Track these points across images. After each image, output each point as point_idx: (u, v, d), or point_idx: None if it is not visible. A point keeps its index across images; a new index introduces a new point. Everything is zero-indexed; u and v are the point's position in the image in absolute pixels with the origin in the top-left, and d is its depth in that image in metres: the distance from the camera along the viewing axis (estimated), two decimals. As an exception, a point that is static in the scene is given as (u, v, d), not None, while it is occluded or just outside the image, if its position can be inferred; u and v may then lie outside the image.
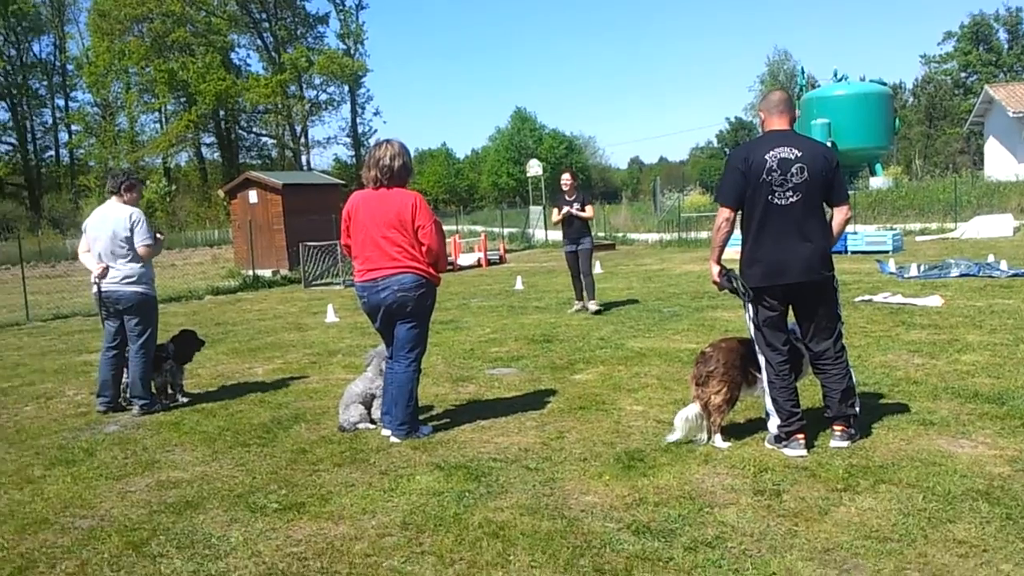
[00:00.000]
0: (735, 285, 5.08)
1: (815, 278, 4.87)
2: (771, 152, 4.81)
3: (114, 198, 6.83)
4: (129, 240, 6.65)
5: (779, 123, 4.99)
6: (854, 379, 5.10)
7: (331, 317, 12.14)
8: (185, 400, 7.09)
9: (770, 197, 4.81)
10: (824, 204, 4.97)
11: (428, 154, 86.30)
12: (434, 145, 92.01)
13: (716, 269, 5.17)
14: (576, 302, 11.45)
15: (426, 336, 5.74)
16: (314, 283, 18.71)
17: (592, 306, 11.16)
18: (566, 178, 11.29)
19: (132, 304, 6.71)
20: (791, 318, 5.15)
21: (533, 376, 7.44)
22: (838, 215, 5.01)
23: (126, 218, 6.67)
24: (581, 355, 8.24)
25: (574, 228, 11.23)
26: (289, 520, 4.28)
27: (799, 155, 4.80)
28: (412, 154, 5.82)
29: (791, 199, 4.79)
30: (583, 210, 11.10)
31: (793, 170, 4.77)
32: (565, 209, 11.08)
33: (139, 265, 6.74)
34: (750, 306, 5.05)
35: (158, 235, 6.99)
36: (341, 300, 14.39)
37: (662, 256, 21.90)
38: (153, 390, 6.96)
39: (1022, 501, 3.99)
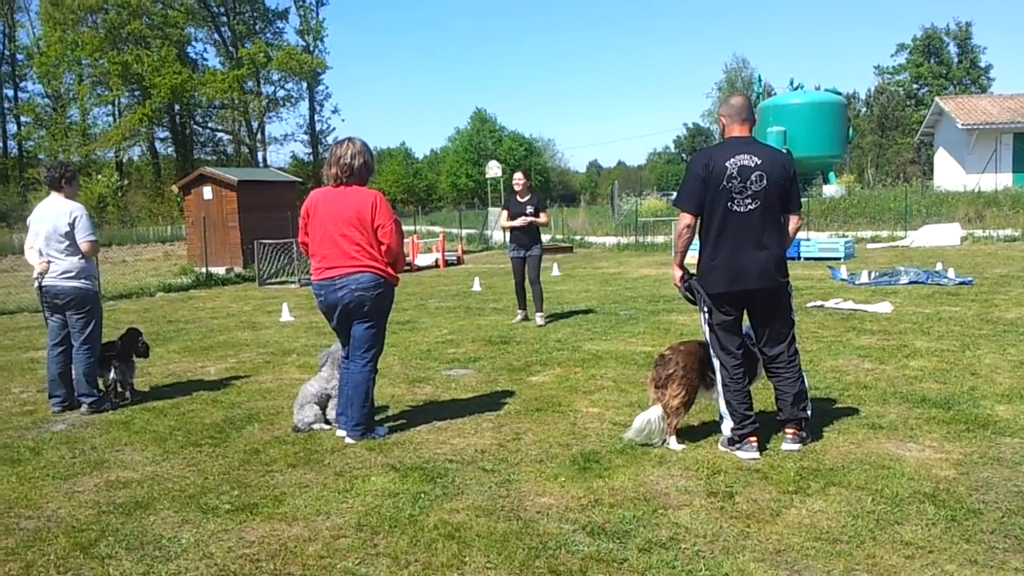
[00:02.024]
0: (693, 296, 5.17)
1: (771, 284, 4.94)
2: (732, 159, 4.87)
3: (54, 192, 6.70)
4: (69, 235, 6.53)
5: (740, 130, 5.05)
6: (806, 383, 5.19)
7: (286, 316, 12.02)
8: (129, 399, 6.96)
9: (729, 204, 4.86)
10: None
11: (387, 153, 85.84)
12: (393, 144, 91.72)
13: (678, 274, 5.23)
14: (519, 311, 10.80)
15: (383, 336, 5.71)
16: (269, 281, 18.50)
17: (539, 319, 10.50)
18: (518, 177, 10.56)
19: (71, 299, 6.59)
20: (745, 322, 5.22)
21: (490, 377, 7.43)
22: (790, 223, 5.08)
23: (67, 213, 6.54)
24: (538, 357, 8.26)
25: (524, 233, 10.44)
26: (242, 521, 4.22)
27: (759, 163, 4.86)
28: (373, 153, 5.78)
29: (750, 206, 4.85)
30: (537, 215, 10.31)
31: (753, 177, 4.83)
32: (525, 217, 10.24)
33: (79, 259, 6.61)
34: (706, 310, 5.11)
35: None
36: (296, 299, 14.26)
37: (619, 260, 22.02)
38: (103, 387, 6.83)
39: (967, 503, 4.08)
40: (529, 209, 10.34)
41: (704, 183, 4.90)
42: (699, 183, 4.92)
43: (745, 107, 5.08)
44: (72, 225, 6.53)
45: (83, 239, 6.59)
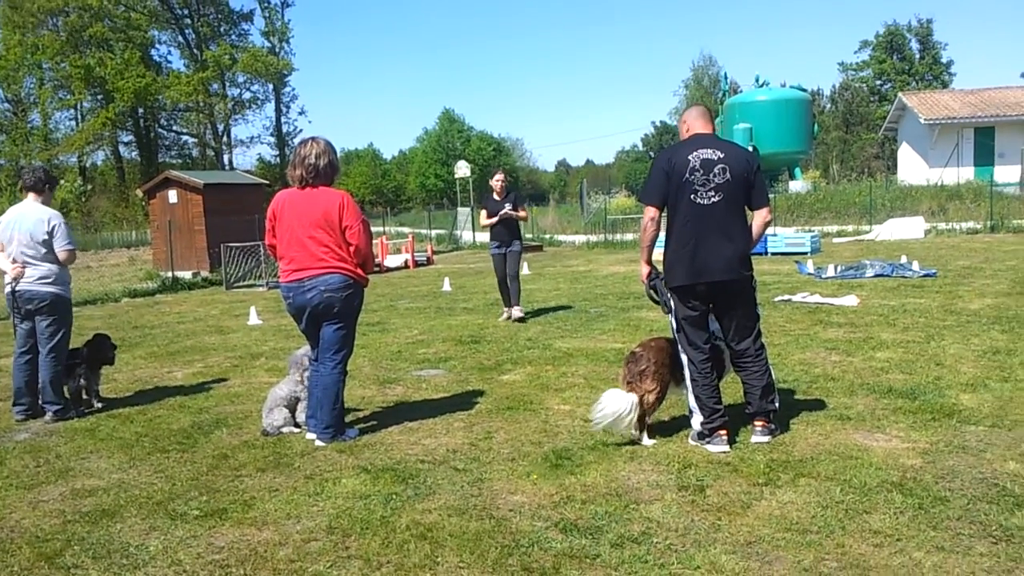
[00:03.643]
0: (657, 297, 5.22)
1: (735, 277, 4.98)
2: (694, 153, 4.92)
3: (31, 196, 6.61)
4: (47, 243, 6.47)
5: (703, 127, 5.10)
6: (773, 376, 5.23)
7: (254, 319, 11.91)
8: (99, 405, 6.88)
9: (693, 196, 4.90)
10: (746, 207, 5.09)
11: (354, 154, 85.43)
12: (361, 145, 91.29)
13: (645, 270, 5.26)
14: (505, 309, 10.81)
15: (352, 338, 5.67)
16: (236, 285, 18.32)
17: (516, 312, 10.61)
18: (500, 176, 10.72)
19: (45, 304, 6.50)
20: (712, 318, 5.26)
21: (461, 377, 7.42)
22: (758, 218, 5.13)
23: (45, 220, 6.48)
24: (509, 356, 8.25)
25: (505, 230, 10.60)
26: (211, 527, 4.17)
27: (721, 156, 4.90)
28: (338, 154, 5.74)
29: (713, 199, 4.89)
30: (517, 210, 10.54)
31: (715, 170, 4.87)
32: (504, 211, 10.41)
33: (55, 266, 6.55)
34: (670, 311, 5.16)
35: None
36: (264, 302, 14.14)
37: (589, 257, 22.09)
38: (67, 395, 6.73)
39: (933, 491, 4.14)
40: (508, 206, 10.49)
41: (667, 177, 4.95)
42: (662, 177, 4.97)
43: (704, 111, 5.23)
44: (51, 233, 6.48)
45: (61, 247, 6.54)
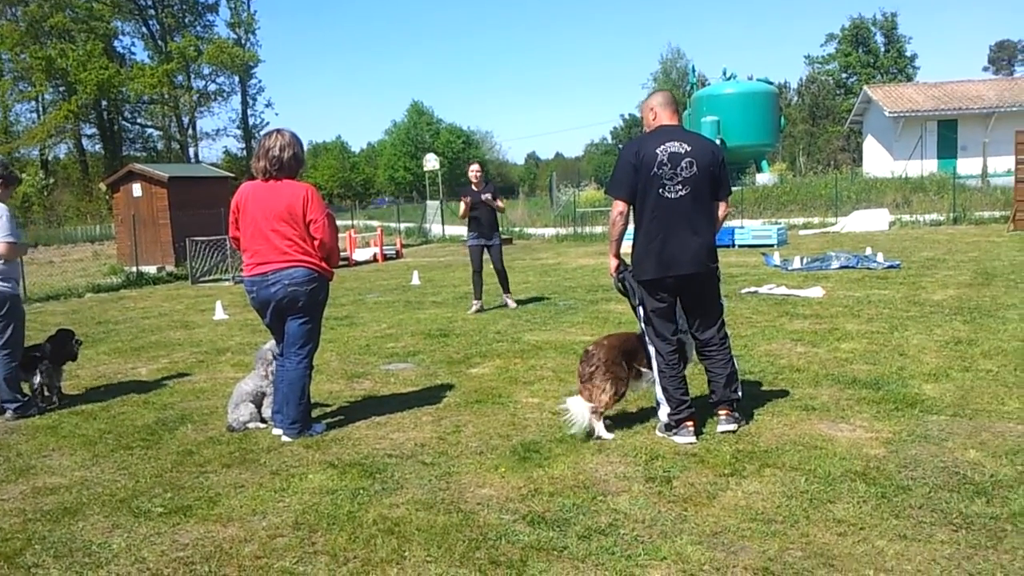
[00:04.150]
0: (626, 289, 5.23)
1: (702, 270, 5.01)
2: (662, 146, 4.92)
3: None
4: None
5: (670, 118, 5.11)
6: (736, 365, 5.28)
7: (220, 314, 11.79)
8: (57, 401, 6.73)
9: (660, 190, 4.91)
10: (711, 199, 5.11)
11: (323, 147, 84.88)
12: (329, 138, 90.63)
13: (614, 263, 5.28)
14: (475, 302, 10.94)
15: (318, 332, 5.63)
16: (202, 279, 18.13)
17: (511, 302, 11.00)
18: (475, 168, 10.88)
19: None
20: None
21: (429, 371, 7.39)
22: (719, 210, 5.16)
23: None
24: (478, 349, 8.24)
25: (485, 222, 10.73)
26: (175, 524, 4.12)
27: (689, 149, 4.92)
28: (305, 146, 5.68)
29: (680, 192, 4.91)
30: (495, 200, 10.70)
31: (683, 164, 4.89)
32: (485, 196, 10.56)
33: None
34: (639, 303, 5.18)
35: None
36: (230, 297, 14.00)
37: (558, 250, 22.12)
38: (28, 392, 6.61)
39: (896, 480, 4.19)
40: (487, 195, 10.64)
41: (635, 170, 4.95)
42: (630, 170, 4.97)
43: (670, 99, 5.21)
44: None
45: (0, 240, 6.32)
